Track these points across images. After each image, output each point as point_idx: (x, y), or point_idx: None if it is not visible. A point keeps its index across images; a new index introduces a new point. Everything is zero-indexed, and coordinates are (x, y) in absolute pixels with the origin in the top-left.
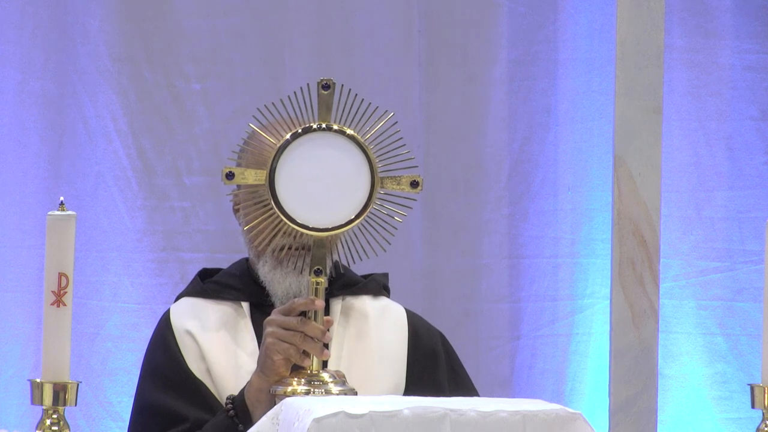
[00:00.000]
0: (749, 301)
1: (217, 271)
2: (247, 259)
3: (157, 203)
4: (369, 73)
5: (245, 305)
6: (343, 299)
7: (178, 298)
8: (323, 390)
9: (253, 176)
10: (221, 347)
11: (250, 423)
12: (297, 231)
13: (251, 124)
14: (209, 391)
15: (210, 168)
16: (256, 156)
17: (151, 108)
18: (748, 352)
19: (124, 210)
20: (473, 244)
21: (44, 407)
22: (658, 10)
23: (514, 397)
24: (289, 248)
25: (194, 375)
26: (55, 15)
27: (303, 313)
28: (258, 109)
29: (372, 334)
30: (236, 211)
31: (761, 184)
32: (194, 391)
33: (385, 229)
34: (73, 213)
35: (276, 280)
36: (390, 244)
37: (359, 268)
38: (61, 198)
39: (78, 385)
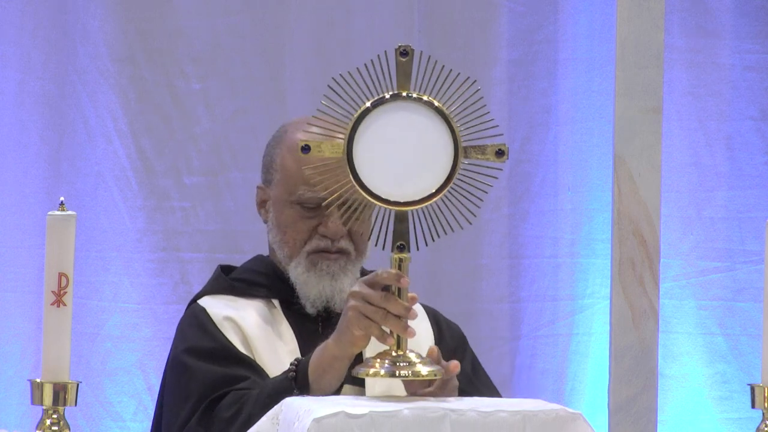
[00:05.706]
0: (749, 301)
1: (234, 268)
2: (268, 256)
3: (157, 203)
4: None
5: (276, 303)
6: None
7: (198, 296)
8: (410, 372)
9: (329, 149)
10: (264, 337)
11: (307, 388)
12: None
13: (325, 95)
14: (261, 367)
15: (210, 168)
16: (331, 128)
17: (151, 108)
18: (748, 352)
19: (124, 210)
20: (473, 244)
21: (44, 407)
22: (658, 10)
23: (514, 397)
24: (325, 251)
25: (244, 353)
26: (55, 15)
27: (386, 288)
28: (333, 78)
29: None
30: (261, 206)
31: (761, 184)
32: (247, 363)
33: (470, 201)
34: (73, 213)
35: (310, 282)
36: (476, 216)
37: (367, 264)
38: (61, 198)
39: (78, 385)
